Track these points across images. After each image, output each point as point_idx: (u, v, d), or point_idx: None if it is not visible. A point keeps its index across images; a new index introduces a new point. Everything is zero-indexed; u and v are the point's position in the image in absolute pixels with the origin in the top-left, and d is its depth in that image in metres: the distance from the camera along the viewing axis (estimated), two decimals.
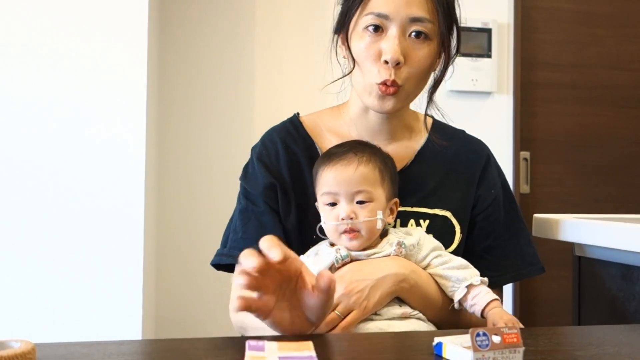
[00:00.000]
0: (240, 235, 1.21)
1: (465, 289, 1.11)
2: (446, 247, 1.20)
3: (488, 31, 2.87)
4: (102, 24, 2.04)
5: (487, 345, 0.77)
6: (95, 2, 2.03)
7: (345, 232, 1.11)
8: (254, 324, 1.01)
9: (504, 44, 2.93)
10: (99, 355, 0.81)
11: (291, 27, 2.80)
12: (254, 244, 0.91)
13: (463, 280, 1.12)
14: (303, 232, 1.21)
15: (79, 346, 0.85)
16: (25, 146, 2.01)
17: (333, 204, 1.13)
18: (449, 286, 1.13)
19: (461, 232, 1.23)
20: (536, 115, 3.03)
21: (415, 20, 1.15)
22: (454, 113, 3.19)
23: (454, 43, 1.23)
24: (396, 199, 1.18)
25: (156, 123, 2.52)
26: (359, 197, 1.12)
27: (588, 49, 3.09)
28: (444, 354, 0.82)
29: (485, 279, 1.13)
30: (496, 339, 0.78)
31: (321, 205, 1.15)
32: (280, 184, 1.22)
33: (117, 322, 2.02)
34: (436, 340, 0.85)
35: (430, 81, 1.24)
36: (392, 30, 1.15)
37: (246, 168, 1.30)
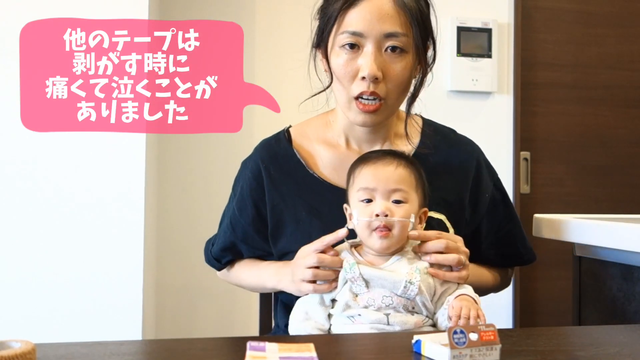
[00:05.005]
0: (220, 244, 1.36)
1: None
2: None
3: (488, 31, 2.87)
4: None
5: (464, 343, 0.79)
6: (95, 2, 2.03)
7: (377, 228, 1.09)
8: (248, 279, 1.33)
9: (504, 44, 2.93)
10: (99, 355, 0.81)
11: (292, 27, 2.79)
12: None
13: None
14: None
15: (79, 346, 0.85)
16: (25, 144, 2.00)
17: (369, 201, 1.12)
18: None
19: (455, 234, 1.25)
20: (536, 115, 3.02)
21: (389, 35, 1.16)
22: (454, 113, 3.18)
23: (430, 53, 1.24)
24: (425, 209, 1.17)
25: None
26: (396, 196, 1.11)
27: (588, 49, 3.09)
28: (423, 352, 0.83)
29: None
30: (473, 336, 0.79)
31: (355, 201, 1.13)
32: (265, 208, 1.29)
33: (117, 322, 2.02)
34: (415, 338, 0.86)
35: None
36: (368, 47, 1.16)
37: (237, 182, 1.35)
